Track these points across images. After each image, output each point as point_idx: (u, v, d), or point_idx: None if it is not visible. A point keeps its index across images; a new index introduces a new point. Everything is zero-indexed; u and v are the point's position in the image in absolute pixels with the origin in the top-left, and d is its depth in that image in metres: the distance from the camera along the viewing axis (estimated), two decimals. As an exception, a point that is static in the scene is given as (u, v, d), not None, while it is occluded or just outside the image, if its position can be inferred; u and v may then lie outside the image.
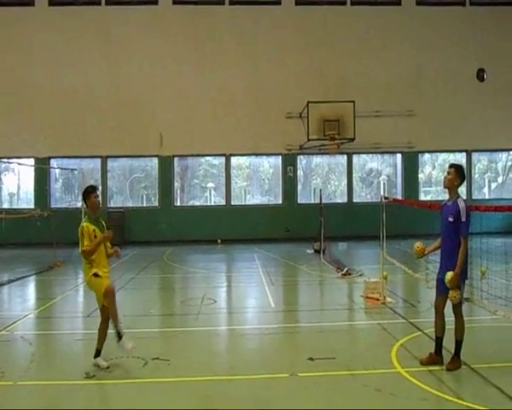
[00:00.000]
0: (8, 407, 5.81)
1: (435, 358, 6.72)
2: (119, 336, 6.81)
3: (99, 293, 6.86)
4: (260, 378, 6.53)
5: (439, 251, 6.88)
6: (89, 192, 7.06)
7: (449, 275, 6.37)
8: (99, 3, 23.49)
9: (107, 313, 6.91)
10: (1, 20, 23.09)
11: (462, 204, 6.46)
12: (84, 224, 6.87)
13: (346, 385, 6.25)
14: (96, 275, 6.82)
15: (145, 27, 23.42)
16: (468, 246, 6.45)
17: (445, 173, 6.82)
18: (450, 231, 6.52)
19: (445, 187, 6.81)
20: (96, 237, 6.83)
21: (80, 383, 6.46)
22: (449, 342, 6.75)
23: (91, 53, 23.18)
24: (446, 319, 6.73)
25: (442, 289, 6.63)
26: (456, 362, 6.55)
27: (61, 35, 23.13)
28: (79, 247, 6.84)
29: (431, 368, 6.58)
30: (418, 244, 7.13)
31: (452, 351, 6.66)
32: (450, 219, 6.49)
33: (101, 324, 7.00)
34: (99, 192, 7.34)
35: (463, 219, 6.39)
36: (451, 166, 6.77)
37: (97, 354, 6.93)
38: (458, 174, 6.64)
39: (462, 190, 24.21)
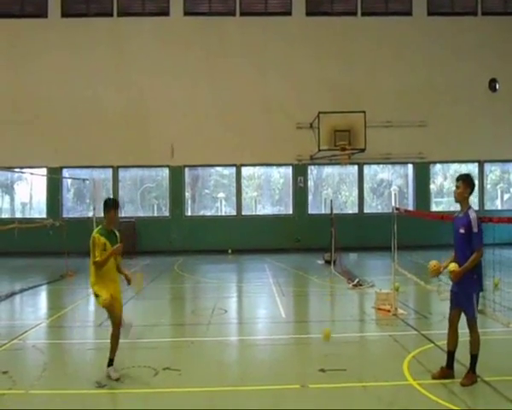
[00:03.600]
0: (20, 417, 5.83)
1: (447, 372, 6.64)
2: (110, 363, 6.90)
3: (102, 306, 6.96)
4: (271, 389, 6.51)
5: None
6: (110, 207, 6.99)
7: (454, 267, 6.35)
8: (111, 14, 23.76)
9: (119, 320, 6.95)
10: (14, 32, 23.42)
11: (472, 215, 6.40)
12: (96, 235, 6.84)
13: (358, 397, 6.21)
14: (96, 296, 6.92)
15: (156, 38, 23.61)
16: (481, 258, 6.35)
17: (454, 187, 6.77)
18: (463, 243, 6.43)
19: (456, 201, 6.76)
20: (105, 250, 6.79)
21: (92, 392, 6.47)
22: (461, 356, 6.70)
23: (103, 64, 23.40)
24: (460, 331, 6.66)
25: (457, 302, 6.58)
26: (471, 377, 6.44)
27: (74, 46, 23.38)
28: (91, 257, 6.86)
29: (443, 381, 6.51)
30: (434, 263, 6.79)
31: (465, 364, 6.59)
32: (462, 231, 6.43)
33: (113, 331, 6.97)
34: (119, 209, 7.28)
35: (475, 229, 6.31)
36: (459, 178, 6.71)
37: (110, 362, 6.91)
38: (467, 185, 6.60)
39: (474, 200, 24.13)
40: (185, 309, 12.31)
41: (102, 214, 7.07)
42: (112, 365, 6.90)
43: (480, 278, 6.46)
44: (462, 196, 6.60)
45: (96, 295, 6.87)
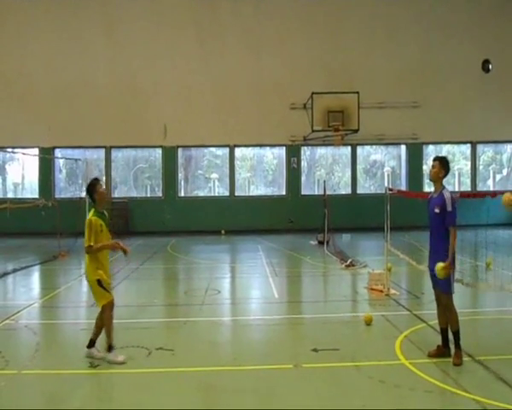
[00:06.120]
0: (13, 396, 5.82)
1: (443, 350, 6.70)
2: (110, 348, 6.75)
3: (99, 302, 6.80)
4: (264, 369, 6.53)
5: None
6: (94, 185, 6.88)
7: (439, 266, 6.38)
8: (103, -8, 23.42)
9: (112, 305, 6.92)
10: (4, 9, 23.03)
11: (447, 194, 6.57)
12: (93, 218, 6.68)
13: (350, 377, 6.24)
14: (100, 283, 6.69)
15: (149, 17, 23.32)
16: (456, 235, 6.48)
17: (430, 167, 6.94)
18: (437, 222, 6.58)
19: (430, 180, 6.94)
20: (102, 231, 6.71)
21: (84, 372, 6.48)
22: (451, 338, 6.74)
23: (95, 43, 23.13)
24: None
25: (436, 282, 6.68)
26: (460, 355, 6.50)
27: (66, 24, 23.06)
28: (85, 241, 6.67)
29: (435, 360, 6.56)
30: (508, 195, 6.37)
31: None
32: (437, 211, 6.56)
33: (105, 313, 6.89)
34: (102, 182, 7.12)
35: (449, 208, 6.45)
36: (436, 158, 6.91)
37: (110, 348, 6.86)
38: (443, 166, 6.74)
39: (467, 181, 24.23)
40: (178, 290, 12.30)
41: (90, 199, 6.98)
42: (93, 346, 6.90)
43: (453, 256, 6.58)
44: (436, 176, 6.75)
45: (100, 283, 6.68)
